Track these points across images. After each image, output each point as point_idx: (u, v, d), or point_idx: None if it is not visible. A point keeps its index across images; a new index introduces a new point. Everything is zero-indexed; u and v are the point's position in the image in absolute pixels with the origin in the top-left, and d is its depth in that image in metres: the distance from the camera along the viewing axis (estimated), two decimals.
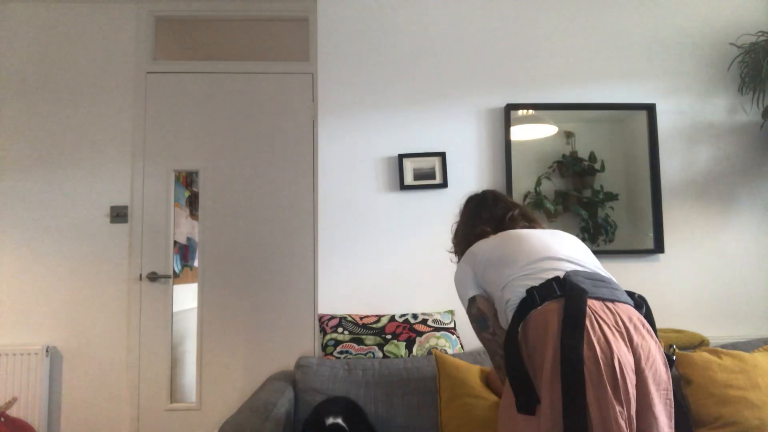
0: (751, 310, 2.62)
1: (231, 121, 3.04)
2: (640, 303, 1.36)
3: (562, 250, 1.43)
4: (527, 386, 1.23)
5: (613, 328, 1.22)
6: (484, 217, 1.72)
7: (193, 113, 3.04)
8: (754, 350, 2.20)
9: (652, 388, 1.19)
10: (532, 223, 1.68)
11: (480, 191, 1.85)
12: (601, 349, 1.18)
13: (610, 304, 1.27)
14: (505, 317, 1.41)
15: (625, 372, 1.17)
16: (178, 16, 3.13)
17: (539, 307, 1.28)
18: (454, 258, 1.82)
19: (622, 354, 1.18)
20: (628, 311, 1.27)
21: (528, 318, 1.29)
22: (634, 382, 1.18)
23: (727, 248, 2.65)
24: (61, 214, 2.93)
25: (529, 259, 1.40)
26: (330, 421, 1.81)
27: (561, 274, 1.32)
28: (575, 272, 1.33)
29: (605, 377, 1.16)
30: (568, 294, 1.25)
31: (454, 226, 1.85)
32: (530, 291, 1.32)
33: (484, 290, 1.52)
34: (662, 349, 1.27)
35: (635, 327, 1.24)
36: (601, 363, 1.16)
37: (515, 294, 1.36)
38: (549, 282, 1.31)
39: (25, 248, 2.90)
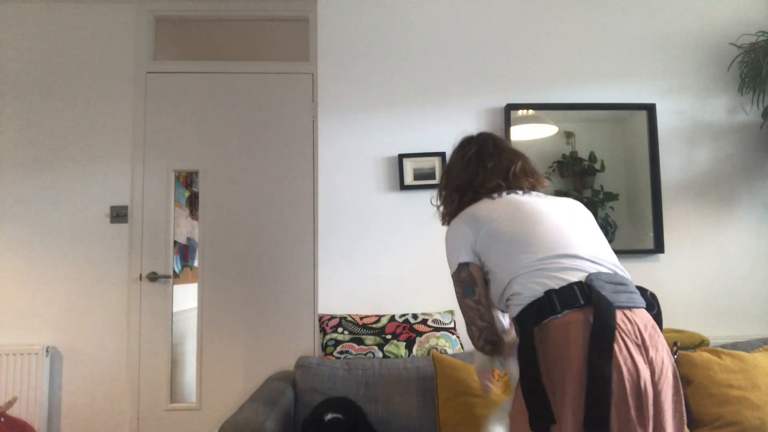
0: (751, 310, 2.62)
1: (231, 121, 3.04)
2: (652, 303, 1.29)
3: (581, 244, 1.31)
4: (543, 402, 1.16)
5: (634, 343, 1.15)
6: (488, 167, 1.55)
7: (193, 113, 3.04)
8: (754, 350, 2.20)
9: (665, 405, 1.15)
10: (534, 181, 1.56)
11: (476, 134, 1.68)
12: (627, 369, 1.12)
13: (628, 313, 1.19)
14: (503, 303, 1.35)
15: (648, 392, 1.12)
16: (178, 16, 3.13)
17: (559, 316, 1.18)
18: (438, 202, 1.67)
19: (645, 372, 1.13)
20: (643, 318, 1.21)
21: (547, 325, 1.20)
22: (652, 398, 1.13)
23: (727, 248, 2.65)
24: (61, 214, 2.93)
25: (546, 251, 1.28)
26: (329, 416, 1.83)
27: (582, 277, 1.22)
28: (597, 276, 1.23)
29: (630, 400, 1.10)
30: (596, 307, 1.16)
31: (444, 173, 1.67)
32: (549, 294, 1.21)
33: (479, 259, 1.42)
34: (671, 356, 1.21)
35: (650, 336, 1.18)
36: (627, 385, 1.11)
37: (529, 290, 1.25)
38: (570, 286, 1.21)
39: (25, 248, 2.90)
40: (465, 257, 1.43)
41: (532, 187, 1.55)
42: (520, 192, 1.50)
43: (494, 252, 1.37)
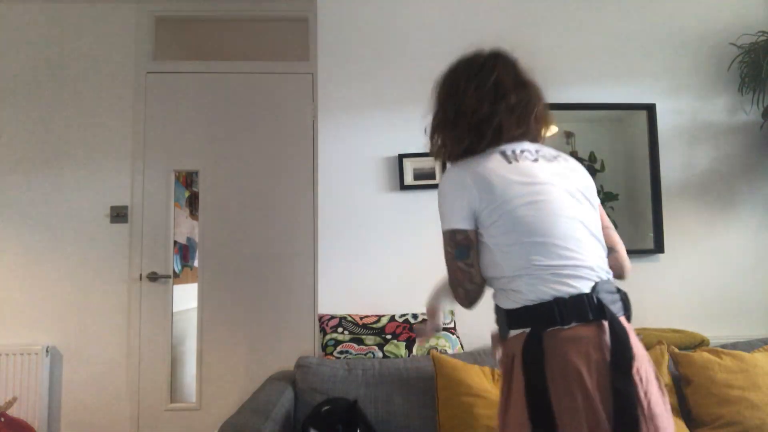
0: (751, 310, 2.62)
1: (231, 121, 3.04)
2: (627, 304, 1.25)
3: (591, 249, 1.23)
4: (549, 417, 1.09)
5: None
6: (511, 103, 1.31)
7: (193, 113, 3.03)
8: (754, 350, 2.20)
9: (656, 410, 1.13)
10: (547, 130, 1.38)
11: (488, 53, 1.40)
12: (636, 383, 1.11)
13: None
14: (491, 283, 1.28)
15: (644, 400, 1.11)
16: (178, 16, 3.13)
17: (567, 328, 1.13)
18: (433, 134, 1.41)
19: (638, 382, 1.12)
20: (627, 326, 1.19)
21: (554, 335, 1.13)
22: (647, 406, 1.12)
23: (727, 248, 2.65)
24: (61, 214, 2.92)
25: (562, 258, 1.19)
26: (325, 408, 1.87)
27: (589, 287, 1.17)
28: (601, 287, 1.19)
29: (640, 415, 1.09)
30: (612, 327, 1.13)
31: (446, 100, 1.38)
32: (559, 302, 1.15)
33: (476, 229, 1.27)
34: (649, 358, 1.19)
35: (634, 344, 1.16)
36: (638, 405, 1.09)
37: (534, 293, 1.17)
38: (580, 298, 1.15)
39: (25, 248, 2.90)
40: (465, 224, 1.27)
41: (543, 138, 1.38)
42: (534, 151, 1.31)
43: (504, 235, 1.22)
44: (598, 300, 1.16)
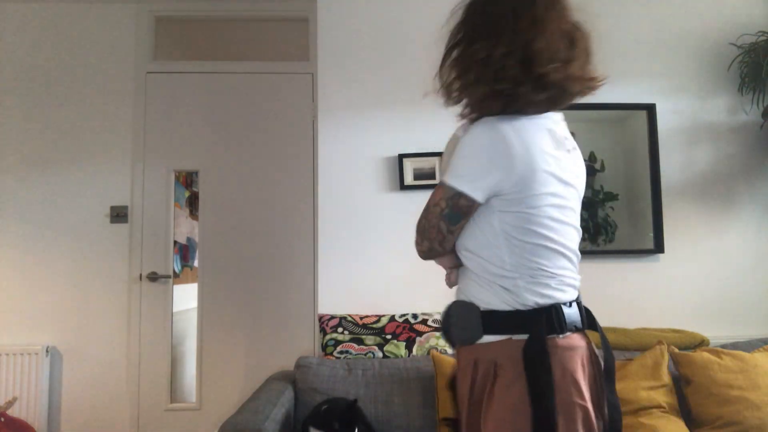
0: (751, 310, 2.62)
1: (231, 121, 3.04)
2: None
3: (578, 261, 1.19)
4: (555, 422, 1.03)
5: None
6: (580, 47, 1.13)
7: (193, 113, 3.03)
8: (754, 350, 2.20)
9: None
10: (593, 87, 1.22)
11: None
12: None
13: None
14: (473, 264, 1.18)
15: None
16: (178, 16, 3.13)
17: (561, 337, 1.08)
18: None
19: None
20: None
21: (553, 344, 1.07)
22: None
23: (728, 248, 2.65)
24: (61, 214, 2.92)
25: (561, 268, 1.13)
26: (324, 407, 1.89)
27: (576, 295, 1.16)
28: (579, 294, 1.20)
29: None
30: (603, 338, 1.14)
31: (495, 20, 1.14)
32: (557, 309, 1.09)
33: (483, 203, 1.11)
34: None
35: None
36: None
37: (534, 297, 1.10)
38: (573, 305, 1.13)
39: (25, 248, 2.90)
40: (478, 195, 1.09)
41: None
42: (564, 138, 1.18)
43: (519, 228, 1.10)
44: (587, 310, 1.16)
